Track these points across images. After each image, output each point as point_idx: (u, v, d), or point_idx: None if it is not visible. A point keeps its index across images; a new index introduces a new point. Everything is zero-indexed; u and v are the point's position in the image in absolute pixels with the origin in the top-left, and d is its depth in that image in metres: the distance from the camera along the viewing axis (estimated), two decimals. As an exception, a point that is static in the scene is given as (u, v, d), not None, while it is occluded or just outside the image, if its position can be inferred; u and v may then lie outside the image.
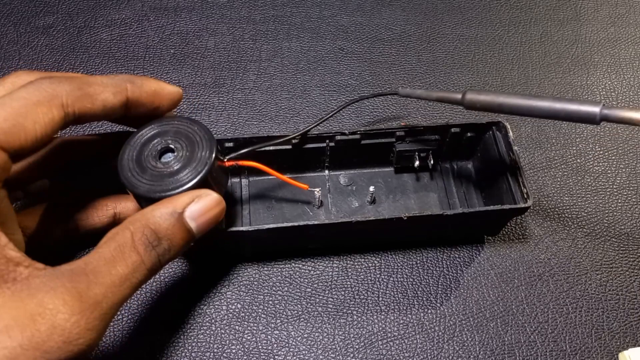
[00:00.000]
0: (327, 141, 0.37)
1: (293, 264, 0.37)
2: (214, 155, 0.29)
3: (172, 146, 0.29)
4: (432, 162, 0.38)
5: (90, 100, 0.26)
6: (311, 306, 0.35)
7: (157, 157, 0.29)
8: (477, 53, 0.49)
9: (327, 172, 0.39)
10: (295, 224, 0.32)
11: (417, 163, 0.38)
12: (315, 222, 0.32)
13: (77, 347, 0.21)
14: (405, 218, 0.32)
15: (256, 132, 0.43)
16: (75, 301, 0.21)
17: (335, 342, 0.34)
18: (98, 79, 0.27)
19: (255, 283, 0.36)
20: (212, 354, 0.34)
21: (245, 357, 0.34)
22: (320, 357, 0.34)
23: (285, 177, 0.35)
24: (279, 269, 0.37)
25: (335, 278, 0.37)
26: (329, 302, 0.36)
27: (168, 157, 0.29)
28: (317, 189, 0.37)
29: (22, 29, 0.49)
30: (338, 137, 0.37)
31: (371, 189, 0.38)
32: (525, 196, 0.33)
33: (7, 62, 0.47)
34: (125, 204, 0.34)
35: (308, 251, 0.37)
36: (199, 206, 0.27)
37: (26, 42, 0.48)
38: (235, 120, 0.44)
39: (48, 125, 0.24)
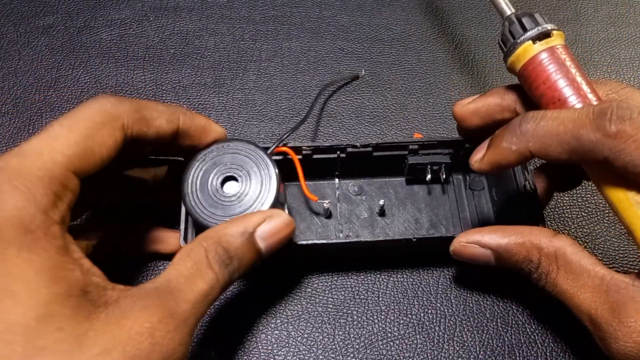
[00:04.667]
0: (338, 152, 0.36)
1: (293, 264, 0.37)
2: (278, 179, 0.30)
3: (234, 175, 0.30)
4: (444, 176, 0.38)
5: (147, 124, 0.27)
6: (311, 306, 0.35)
7: (221, 188, 0.30)
8: (477, 53, 0.49)
9: (337, 180, 0.39)
10: (298, 242, 0.32)
11: (429, 177, 0.37)
12: (322, 242, 0.33)
13: (173, 359, 0.22)
14: (414, 240, 0.32)
15: (256, 132, 0.43)
16: (167, 318, 0.22)
17: (335, 342, 0.34)
18: (154, 105, 0.28)
19: (255, 283, 0.36)
20: (211, 353, 0.34)
21: (245, 357, 0.34)
22: (320, 357, 0.34)
23: (304, 183, 0.34)
24: (279, 269, 0.37)
25: (335, 278, 0.36)
26: (329, 302, 0.36)
27: (232, 186, 0.30)
28: (326, 201, 0.37)
29: (22, 29, 0.49)
30: (349, 150, 0.36)
31: (381, 202, 0.37)
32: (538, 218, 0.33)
33: (7, 62, 0.47)
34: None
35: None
36: (270, 227, 0.28)
37: (26, 42, 0.48)
38: (235, 120, 0.44)
39: (112, 147, 0.25)
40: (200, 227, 0.29)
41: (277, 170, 0.30)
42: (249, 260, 0.27)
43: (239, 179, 0.30)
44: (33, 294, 0.20)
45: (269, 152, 0.32)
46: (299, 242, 0.32)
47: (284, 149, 0.34)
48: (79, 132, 0.24)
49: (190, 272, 0.24)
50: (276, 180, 0.30)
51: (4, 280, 0.20)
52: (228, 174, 0.30)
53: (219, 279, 0.25)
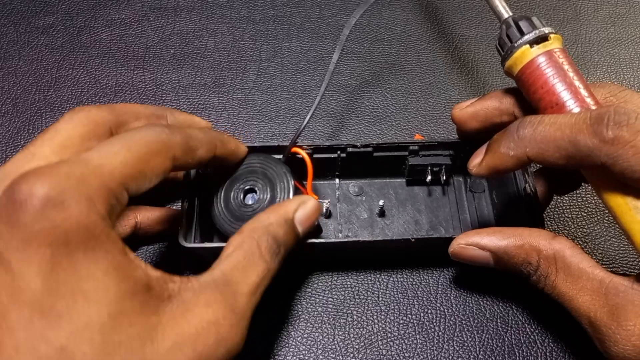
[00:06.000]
0: (339, 152, 0.37)
1: (292, 263, 0.37)
2: (293, 186, 0.32)
3: (253, 187, 0.32)
4: (444, 177, 0.38)
5: (192, 155, 0.27)
6: (311, 306, 0.35)
7: (243, 201, 0.32)
8: (477, 53, 0.49)
9: (337, 180, 0.39)
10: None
11: (429, 178, 0.37)
12: (321, 241, 0.33)
13: (235, 352, 0.24)
14: (413, 240, 0.32)
15: (256, 132, 0.43)
16: (229, 313, 0.23)
17: (335, 342, 0.34)
18: (196, 134, 0.28)
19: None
20: (212, 354, 0.34)
21: (244, 357, 0.34)
22: (320, 357, 0.34)
23: (310, 183, 0.35)
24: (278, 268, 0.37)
25: (335, 278, 0.37)
26: (329, 302, 0.36)
27: (253, 198, 0.32)
28: (326, 201, 0.37)
29: (22, 29, 0.49)
30: (350, 150, 0.36)
31: (380, 202, 0.37)
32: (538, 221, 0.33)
33: (7, 62, 0.47)
34: (145, 214, 0.35)
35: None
36: (305, 211, 0.29)
37: (26, 42, 0.48)
38: (235, 120, 0.44)
39: (161, 175, 0.25)
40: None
41: (292, 179, 0.32)
42: (292, 245, 0.29)
43: (257, 190, 0.32)
44: (104, 293, 0.21)
45: (284, 153, 0.34)
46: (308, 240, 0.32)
47: (299, 150, 0.35)
48: (137, 155, 0.24)
49: (243, 264, 0.25)
50: (292, 187, 0.32)
51: (75, 281, 0.20)
52: (247, 187, 0.32)
53: (270, 268, 0.26)
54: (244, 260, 0.26)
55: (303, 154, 0.34)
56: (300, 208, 0.29)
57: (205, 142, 0.28)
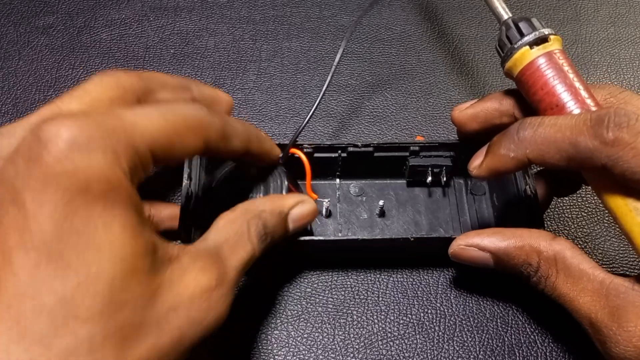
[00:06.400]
0: (339, 152, 0.37)
1: (292, 263, 0.37)
2: (286, 188, 0.32)
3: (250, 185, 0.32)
4: (445, 179, 0.38)
5: (225, 142, 0.26)
6: (311, 306, 0.35)
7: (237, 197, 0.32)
8: (477, 53, 0.49)
9: (338, 180, 0.39)
10: (300, 238, 0.32)
11: (429, 179, 0.37)
12: (319, 238, 0.33)
13: (221, 322, 0.24)
14: (412, 239, 0.32)
15: (256, 132, 0.43)
16: (222, 283, 0.24)
17: (335, 342, 0.34)
18: (235, 123, 0.28)
19: (255, 282, 0.36)
20: (210, 354, 0.34)
21: (245, 357, 0.34)
22: (320, 357, 0.34)
23: (309, 183, 0.35)
24: (278, 268, 0.37)
25: (335, 278, 0.37)
26: (329, 302, 0.36)
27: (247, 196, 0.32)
28: (326, 200, 0.37)
29: (22, 29, 0.49)
30: (350, 149, 0.36)
31: (380, 202, 0.37)
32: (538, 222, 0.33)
33: (7, 62, 0.47)
34: (158, 208, 0.35)
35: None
36: (301, 210, 0.30)
37: (26, 42, 0.48)
38: (235, 120, 0.44)
39: (189, 153, 0.25)
40: None
41: (286, 180, 0.32)
42: (279, 238, 0.29)
43: (254, 188, 0.32)
44: (119, 249, 0.20)
45: (283, 154, 0.33)
46: (297, 238, 0.32)
47: (297, 151, 0.35)
48: (172, 125, 0.23)
49: (233, 241, 0.26)
50: (285, 188, 0.32)
51: (89, 231, 0.20)
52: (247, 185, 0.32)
53: (255, 252, 0.27)
54: (234, 237, 0.26)
55: (300, 154, 0.34)
56: (298, 206, 0.30)
57: (242, 133, 0.28)
